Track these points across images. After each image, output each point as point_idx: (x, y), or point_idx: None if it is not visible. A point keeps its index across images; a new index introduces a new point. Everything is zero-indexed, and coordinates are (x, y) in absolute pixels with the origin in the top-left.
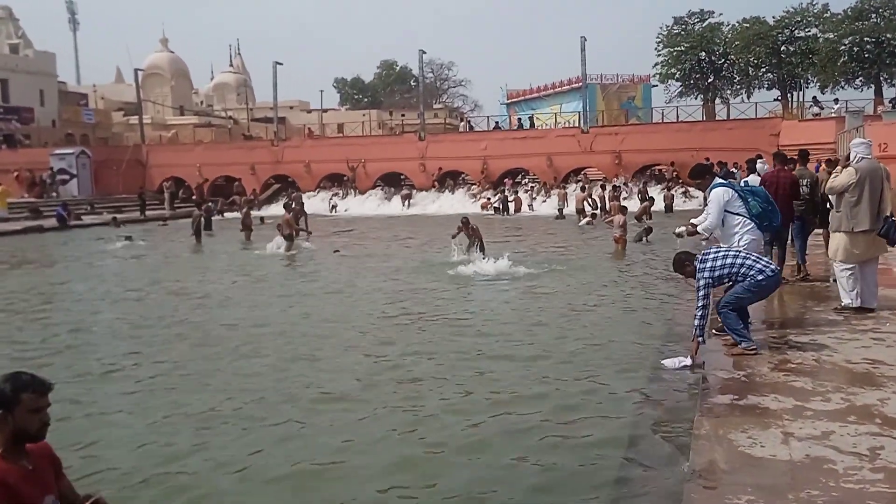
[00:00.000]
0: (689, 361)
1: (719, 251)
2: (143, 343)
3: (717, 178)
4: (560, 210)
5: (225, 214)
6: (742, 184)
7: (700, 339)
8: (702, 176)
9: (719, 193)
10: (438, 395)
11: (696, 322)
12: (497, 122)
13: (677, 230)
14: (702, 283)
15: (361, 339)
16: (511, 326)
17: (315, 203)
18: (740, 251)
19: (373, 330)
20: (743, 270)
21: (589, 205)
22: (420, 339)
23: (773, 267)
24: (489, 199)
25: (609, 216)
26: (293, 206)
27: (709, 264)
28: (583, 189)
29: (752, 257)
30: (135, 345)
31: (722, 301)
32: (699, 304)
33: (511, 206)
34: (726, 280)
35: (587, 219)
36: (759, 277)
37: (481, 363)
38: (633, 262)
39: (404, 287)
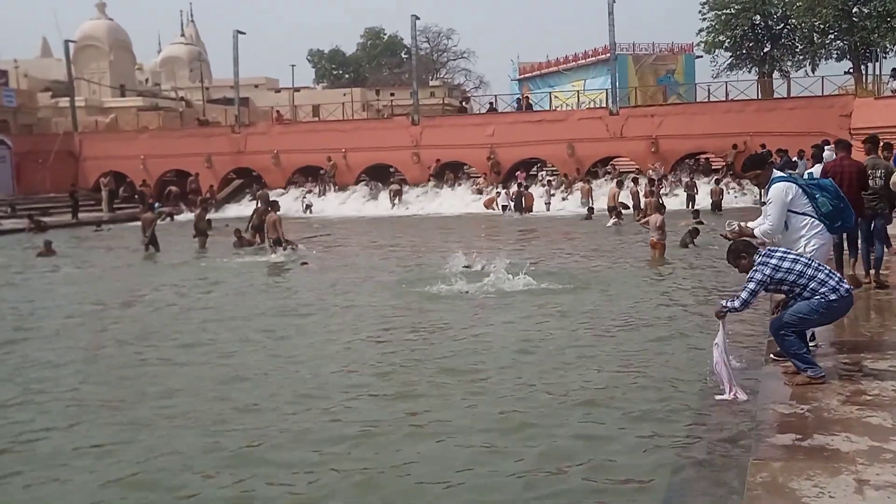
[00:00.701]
0: (727, 391)
1: (789, 253)
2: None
3: (775, 169)
4: (590, 209)
5: (174, 217)
6: (806, 176)
7: (728, 308)
8: (758, 168)
9: (781, 189)
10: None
11: (728, 301)
12: (517, 100)
13: (727, 226)
14: (756, 277)
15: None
16: (531, 368)
17: (285, 202)
18: (813, 261)
19: (348, 395)
20: (812, 285)
21: (620, 205)
22: (415, 404)
23: (847, 286)
24: (498, 193)
25: (643, 216)
26: (257, 205)
27: (773, 261)
28: (619, 184)
29: (825, 270)
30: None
31: (781, 320)
32: (740, 297)
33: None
34: (784, 288)
35: (614, 219)
36: (832, 297)
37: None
38: (675, 273)
39: (389, 313)
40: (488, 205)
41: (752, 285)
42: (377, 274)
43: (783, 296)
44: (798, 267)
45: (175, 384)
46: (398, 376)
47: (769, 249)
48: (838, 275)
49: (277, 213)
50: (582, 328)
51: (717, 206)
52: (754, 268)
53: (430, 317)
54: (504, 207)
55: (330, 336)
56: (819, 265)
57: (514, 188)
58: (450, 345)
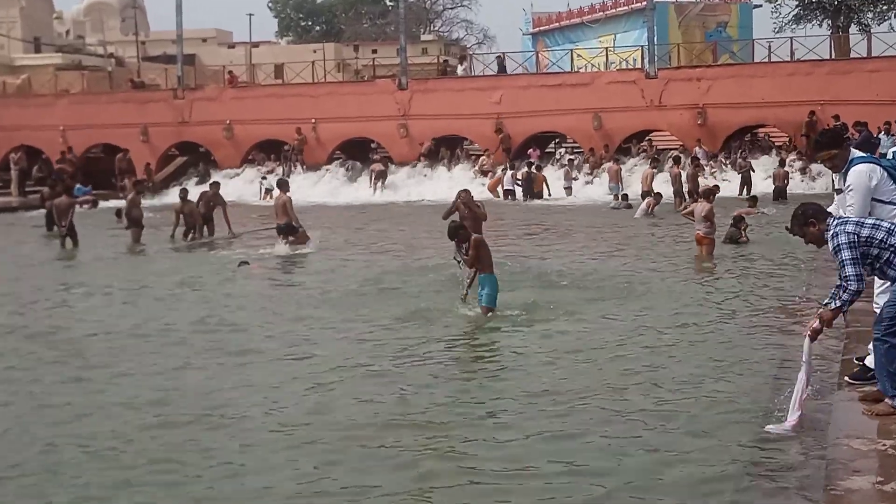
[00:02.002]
0: (790, 419)
1: (864, 220)
2: None
3: (853, 148)
4: (621, 196)
5: (97, 203)
6: (890, 155)
7: (837, 309)
8: (833, 147)
9: (863, 173)
10: None
11: (839, 294)
12: (530, 61)
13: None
14: (841, 239)
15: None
16: (557, 422)
17: (238, 186)
18: (894, 229)
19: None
20: None
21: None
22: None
23: None
24: (504, 173)
25: (687, 204)
26: (209, 191)
27: (850, 227)
28: (655, 164)
29: None
30: None
31: (881, 319)
32: (846, 277)
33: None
34: (874, 252)
35: (644, 206)
36: None
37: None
38: (725, 275)
39: (367, 345)
40: (494, 189)
41: (846, 253)
42: (351, 282)
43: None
44: (880, 234)
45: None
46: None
47: (840, 219)
48: None
49: (287, 193)
50: (603, 356)
51: (780, 193)
52: (832, 234)
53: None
54: (508, 193)
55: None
56: None
57: (522, 169)
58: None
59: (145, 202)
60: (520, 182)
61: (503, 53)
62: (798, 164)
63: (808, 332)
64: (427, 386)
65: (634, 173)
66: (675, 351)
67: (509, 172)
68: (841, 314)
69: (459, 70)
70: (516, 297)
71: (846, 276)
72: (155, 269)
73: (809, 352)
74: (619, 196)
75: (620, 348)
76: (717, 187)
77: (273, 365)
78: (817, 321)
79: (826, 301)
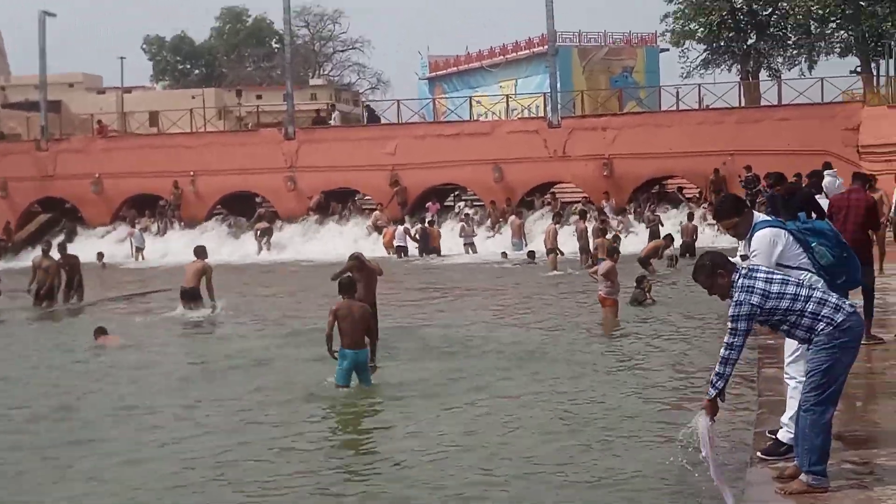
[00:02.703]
0: (704, 445)
1: (774, 272)
2: None
3: (779, 198)
4: (530, 252)
5: None
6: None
7: (717, 395)
8: (734, 215)
9: (767, 238)
10: None
11: (717, 369)
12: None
13: None
14: (743, 310)
15: None
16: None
17: (109, 246)
18: (803, 280)
19: None
20: (810, 307)
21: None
22: None
23: (850, 303)
24: (399, 228)
25: (593, 262)
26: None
27: (759, 286)
28: (557, 219)
29: (821, 287)
30: None
31: (806, 387)
32: (729, 342)
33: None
34: (775, 320)
35: (551, 266)
36: (839, 318)
37: None
38: (632, 340)
39: (216, 437)
40: (390, 245)
41: (741, 324)
42: (216, 361)
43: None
44: (790, 289)
45: None
46: None
47: (749, 268)
48: (835, 294)
49: (206, 260)
50: (491, 431)
51: (689, 248)
52: (736, 297)
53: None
54: (400, 249)
55: None
56: (812, 282)
57: (415, 225)
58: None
59: (2, 265)
60: (416, 238)
61: (398, 101)
62: (709, 217)
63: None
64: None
65: (538, 227)
66: (570, 427)
67: (401, 227)
68: (722, 393)
69: (334, 119)
70: (400, 370)
71: (730, 345)
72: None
73: (706, 431)
74: (528, 252)
75: (509, 432)
76: (616, 248)
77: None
78: (706, 415)
79: (711, 384)
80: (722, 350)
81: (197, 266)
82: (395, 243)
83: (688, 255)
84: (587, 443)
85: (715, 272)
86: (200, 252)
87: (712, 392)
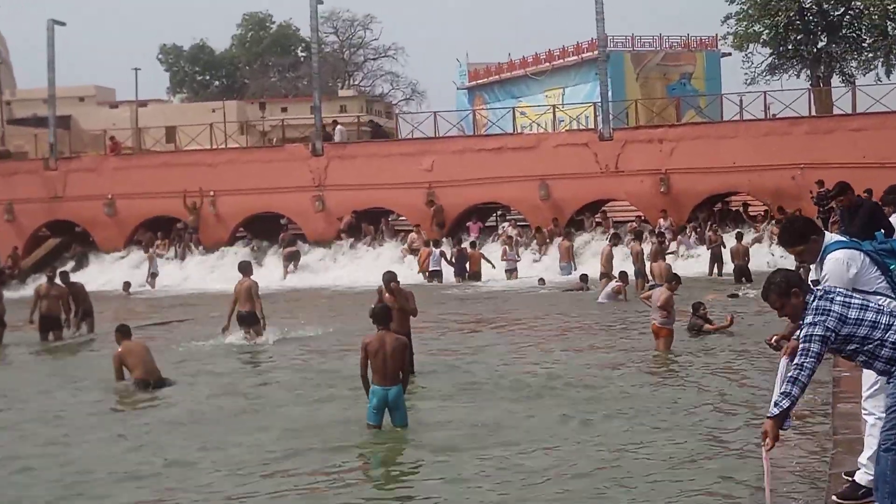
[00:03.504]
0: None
1: (853, 296)
2: None
3: (831, 234)
4: (580, 277)
5: None
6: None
7: (779, 415)
8: (799, 243)
9: (840, 262)
10: None
11: (784, 388)
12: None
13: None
14: (817, 331)
15: None
16: None
17: (125, 270)
18: (884, 306)
19: None
20: (893, 337)
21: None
22: None
23: None
24: (435, 251)
25: (646, 288)
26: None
27: (836, 309)
28: (615, 240)
29: None
30: None
31: (886, 424)
32: (799, 363)
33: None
34: (850, 349)
35: (612, 287)
36: None
37: None
38: (682, 374)
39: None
40: (425, 268)
41: (813, 345)
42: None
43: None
44: (869, 315)
45: None
46: None
47: (825, 290)
48: None
49: (251, 277)
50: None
51: (742, 272)
52: (810, 318)
53: None
54: (433, 274)
55: None
56: (893, 309)
57: (446, 247)
58: None
59: (9, 294)
60: (452, 262)
61: (435, 113)
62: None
63: (764, 447)
64: None
65: (588, 250)
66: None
67: (436, 250)
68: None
69: (337, 135)
70: (433, 411)
71: (801, 366)
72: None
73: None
74: (581, 276)
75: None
76: (676, 274)
77: None
78: (765, 433)
79: (775, 404)
80: (792, 369)
81: (245, 285)
82: (430, 268)
83: (743, 279)
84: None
85: (788, 291)
86: (246, 268)
87: (774, 411)
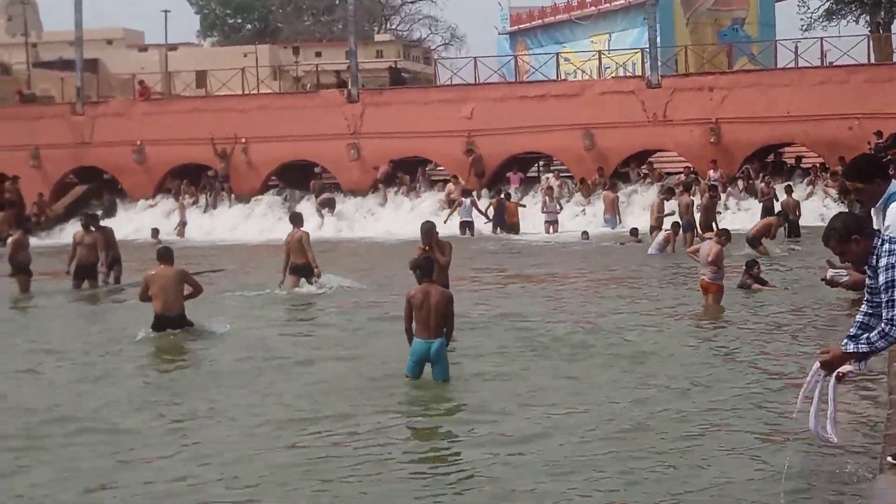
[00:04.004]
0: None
1: None
2: None
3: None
4: (630, 230)
5: None
6: None
7: (852, 354)
8: (860, 179)
9: None
10: None
11: (872, 336)
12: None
13: (830, 273)
14: (889, 275)
15: None
16: None
17: (154, 219)
18: None
19: None
20: None
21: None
22: None
23: None
24: (466, 201)
25: (693, 243)
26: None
27: None
28: (669, 194)
29: None
30: None
31: None
32: (890, 317)
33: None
34: None
35: (662, 236)
36: None
37: None
38: (731, 332)
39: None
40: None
41: (887, 287)
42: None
43: None
44: None
45: None
46: None
47: (893, 236)
48: None
49: (302, 228)
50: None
51: (792, 227)
52: (885, 261)
53: None
54: (465, 225)
55: None
56: None
57: (478, 197)
58: None
59: (35, 242)
60: (483, 212)
61: (475, 59)
62: (833, 191)
63: (821, 364)
64: None
65: (634, 203)
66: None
67: (467, 200)
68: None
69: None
70: (477, 368)
71: (891, 318)
72: (35, 333)
73: (833, 395)
74: (631, 230)
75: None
76: (726, 229)
77: None
78: (828, 355)
79: (845, 342)
80: (883, 325)
81: (297, 236)
82: (461, 218)
83: (792, 235)
84: (689, 453)
85: (849, 237)
86: (297, 219)
87: (850, 347)
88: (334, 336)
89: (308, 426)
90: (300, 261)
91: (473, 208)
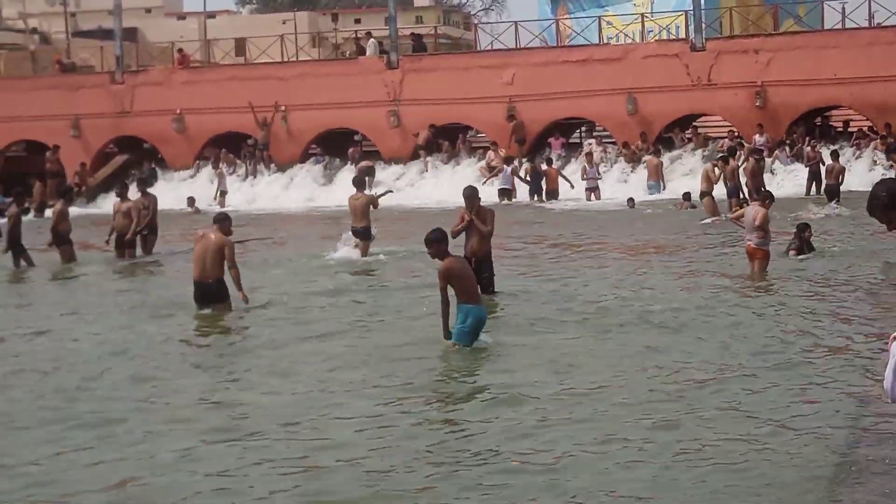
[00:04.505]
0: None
1: None
2: None
3: None
4: (683, 195)
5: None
6: None
7: None
8: None
9: None
10: None
11: None
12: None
13: None
14: None
15: None
16: None
17: (194, 188)
18: None
19: None
20: None
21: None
22: None
23: None
24: (507, 168)
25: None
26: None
27: None
28: (725, 160)
29: None
30: None
31: None
32: None
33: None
34: None
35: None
36: None
37: None
38: (776, 298)
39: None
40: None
41: None
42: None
43: None
44: None
45: None
46: None
47: None
48: None
49: (366, 192)
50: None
51: (832, 192)
52: None
53: None
54: (503, 192)
55: None
56: None
57: (520, 164)
58: None
59: (77, 211)
60: (524, 179)
61: (516, 23)
62: (881, 155)
63: None
64: None
65: (678, 168)
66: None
67: (507, 167)
68: None
69: (369, 48)
70: (516, 339)
71: None
72: (81, 301)
73: None
74: (683, 195)
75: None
76: (769, 192)
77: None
78: None
79: None
80: None
81: (362, 201)
82: (499, 185)
83: (833, 200)
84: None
85: (893, 205)
86: (360, 183)
87: None
88: (395, 301)
89: (366, 390)
90: (360, 224)
91: (514, 176)
